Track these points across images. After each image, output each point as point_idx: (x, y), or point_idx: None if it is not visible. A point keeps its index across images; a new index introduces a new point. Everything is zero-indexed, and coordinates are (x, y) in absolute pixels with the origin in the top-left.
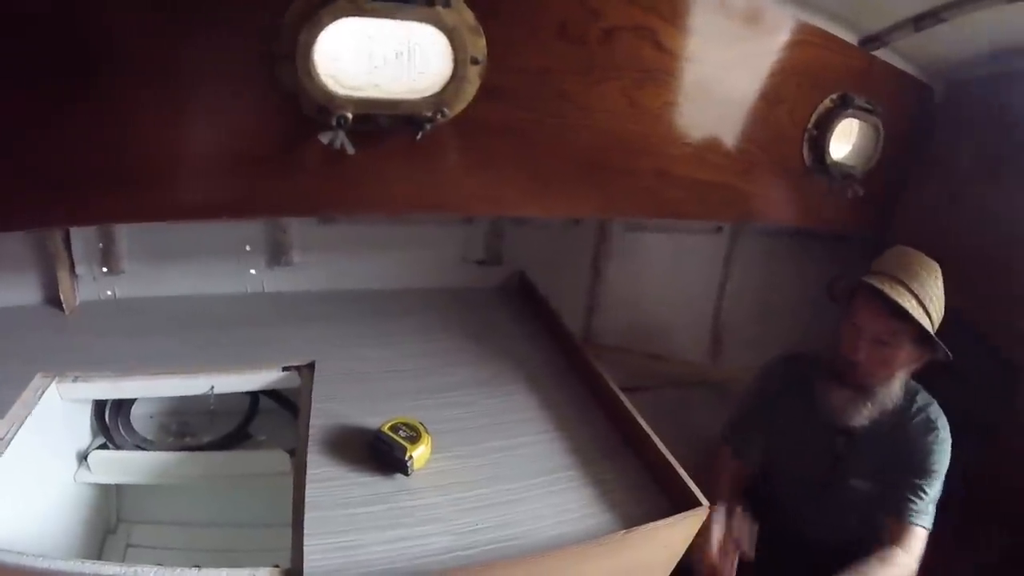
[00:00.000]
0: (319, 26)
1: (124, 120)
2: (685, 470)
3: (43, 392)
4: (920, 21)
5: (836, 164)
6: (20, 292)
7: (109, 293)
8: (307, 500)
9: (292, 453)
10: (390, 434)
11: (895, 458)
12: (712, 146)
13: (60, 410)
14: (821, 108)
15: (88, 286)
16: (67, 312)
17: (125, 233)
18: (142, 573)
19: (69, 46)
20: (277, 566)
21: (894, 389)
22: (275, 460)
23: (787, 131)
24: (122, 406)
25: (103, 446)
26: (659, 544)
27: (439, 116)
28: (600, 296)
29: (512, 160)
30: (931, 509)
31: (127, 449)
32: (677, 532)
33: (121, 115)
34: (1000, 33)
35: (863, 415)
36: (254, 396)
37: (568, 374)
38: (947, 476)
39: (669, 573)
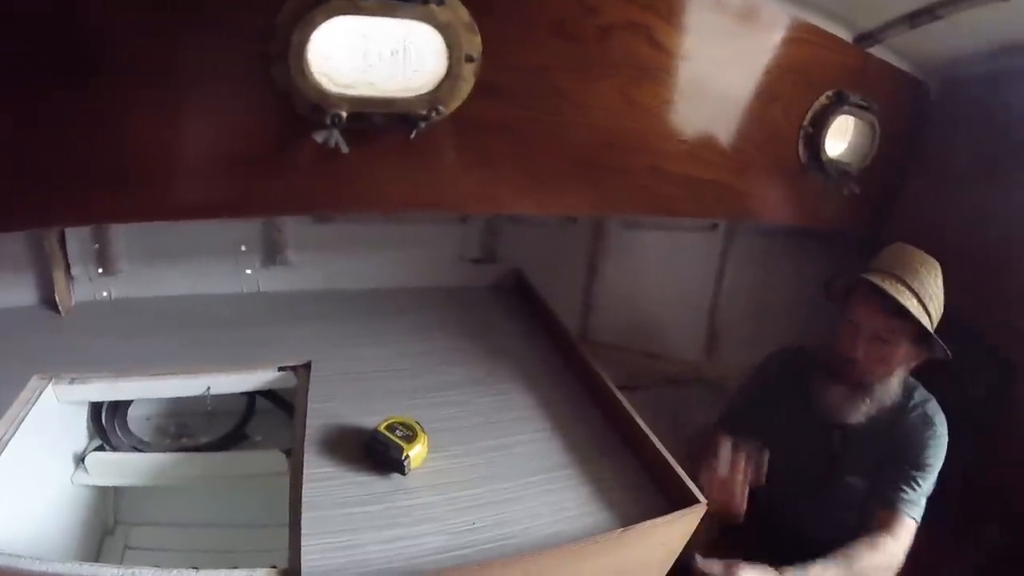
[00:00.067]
0: (312, 25)
1: (119, 120)
2: (682, 468)
3: (40, 394)
4: (915, 18)
5: (832, 162)
6: (16, 293)
7: (105, 294)
8: (304, 500)
9: (289, 453)
10: (386, 434)
11: (890, 453)
12: (707, 144)
13: (57, 412)
14: (816, 105)
15: (84, 287)
16: (63, 313)
17: (120, 234)
18: (140, 575)
19: (65, 46)
20: (275, 567)
21: (892, 387)
22: (272, 460)
23: (782, 129)
24: (119, 407)
25: (100, 448)
26: (656, 542)
27: (434, 114)
28: (596, 294)
29: (508, 158)
30: (922, 502)
31: (124, 451)
32: (675, 530)
33: (116, 115)
34: (996, 30)
35: (860, 412)
36: (251, 396)
37: (565, 372)
38: (945, 474)
39: (667, 571)
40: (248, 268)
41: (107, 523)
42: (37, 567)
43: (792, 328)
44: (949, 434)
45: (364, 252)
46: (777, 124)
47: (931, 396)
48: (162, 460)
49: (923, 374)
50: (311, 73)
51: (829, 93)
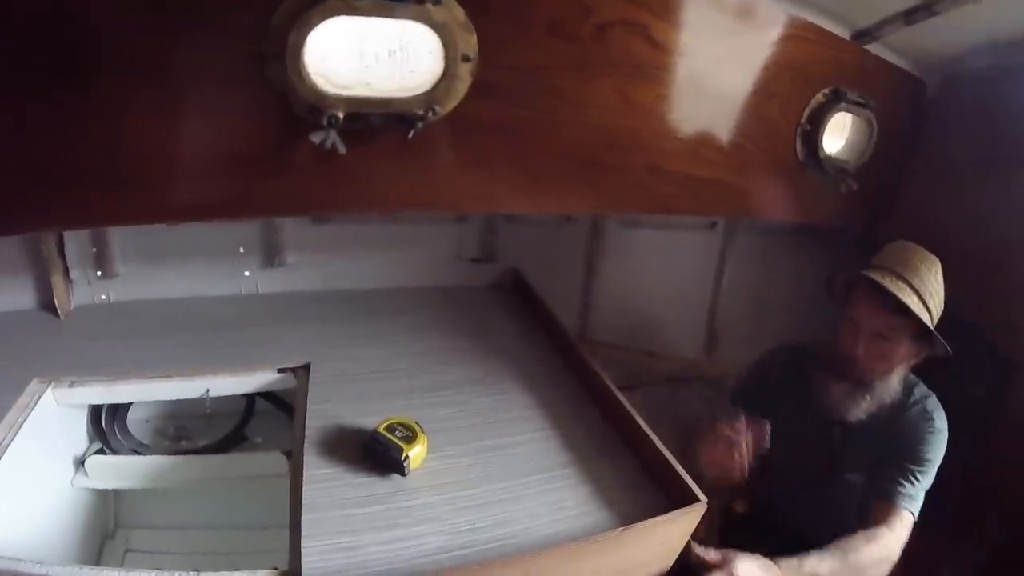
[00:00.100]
0: (309, 26)
1: (116, 121)
2: (682, 466)
3: (39, 397)
4: (911, 15)
5: (829, 159)
6: (14, 297)
7: (103, 297)
8: (304, 502)
9: (288, 455)
10: (386, 434)
11: (890, 448)
12: (705, 141)
13: (56, 415)
14: (814, 103)
15: (82, 290)
16: (62, 316)
17: (118, 236)
18: None
19: (61, 46)
20: (275, 568)
21: (892, 384)
22: (272, 462)
23: (780, 126)
24: (118, 410)
25: (100, 451)
26: (656, 541)
27: (431, 114)
28: (595, 293)
29: (504, 157)
30: (920, 496)
31: (124, 454)
32: (674, 529)
33: (113, 116)
34: (993, 27)
35: (861, 409)
36: (250, 398)
37: (563, 372)
38: (944, 472)
39: (667, 570)
40: (246, 270)
41: (107, 526)
42: (38, 571)
43: (792, 325)
44: (949, 432)
45: (362, 253)
46: (775, 122)
47: (931, 393)
48: (162, 463)
49: (923, 372)
50: (308, 74)
51: (826, 90)
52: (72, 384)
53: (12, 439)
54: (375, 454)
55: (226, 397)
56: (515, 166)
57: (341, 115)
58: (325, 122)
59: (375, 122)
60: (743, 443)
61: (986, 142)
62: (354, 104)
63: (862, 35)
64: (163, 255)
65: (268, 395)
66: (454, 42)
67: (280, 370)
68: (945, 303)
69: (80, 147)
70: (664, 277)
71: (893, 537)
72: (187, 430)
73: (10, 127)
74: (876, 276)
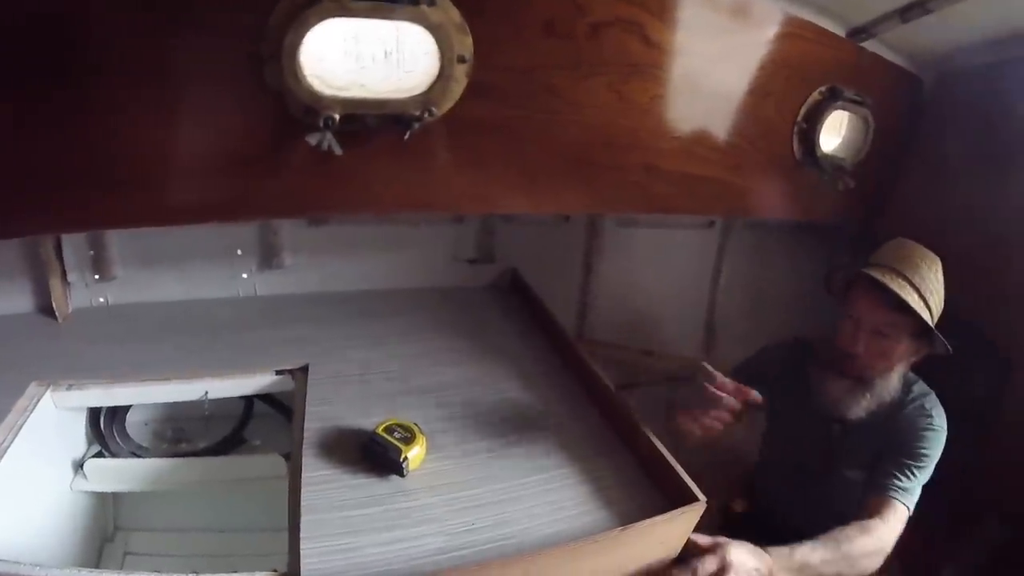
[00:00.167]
0: (305, 27)
1: (114, 123)
2: (680, 465)
3: (38, 401)
4: (907, 12)
5: (826, 157)
6: (12, 300)
7: (102, 300)
8: (303, 504)
9: (287, 457)
10: (384, 436)
11: (888, 445)
12: (701, 140)
13: (55, 419)
14: (810, 101)
15: (80, 293)
16: (60, 320)
17: (116, 239)
18: None
19: (56, 47)
20: (275, 570)
21: (892, 382)
22: (270, 464)
23: (776, 124)
24: (117, 413)
25: (99, 454)
26: (655, 540)
27: (427, 115)
28: (593, 292)
29: (501, 157)
30: (916, 491)
31: (123, 456)
32: (674, 528)
33: (110, 118)
34: (988, 23)
35: (861, 407)
36: (248, 400)
37: (562, 371)
38: (943, 471)
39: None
40: (244, 272)
41: (106, 529)
42: (37, 574)
43: (789, 323)
44: (948, 430)
45: (360, 254)
46: (771, 120)
47: (930, 391)
48: (161, 465)
49: (922, 370)
50: (304, 75)
51: (822, 88)
52: (70, 387)
53: (11, 442)
54: (374, 455)
55: (224, 399)
56: (511, 166)
57: (337, 116)
58: (321, 123)
59: (371, 123)
60: (727, 396)
61: (982, 138)
62: (350, 105)
63: (858, 33)
64: (161, 258)
65: (266, 397)
66: (450, 43)
67: (278, 372)
68: (944, 301)
69: (77, 149)
70: (662, 276)
71: (887, 529)
72: (186, 433)
73: (6, 129)
74: (876, 273)
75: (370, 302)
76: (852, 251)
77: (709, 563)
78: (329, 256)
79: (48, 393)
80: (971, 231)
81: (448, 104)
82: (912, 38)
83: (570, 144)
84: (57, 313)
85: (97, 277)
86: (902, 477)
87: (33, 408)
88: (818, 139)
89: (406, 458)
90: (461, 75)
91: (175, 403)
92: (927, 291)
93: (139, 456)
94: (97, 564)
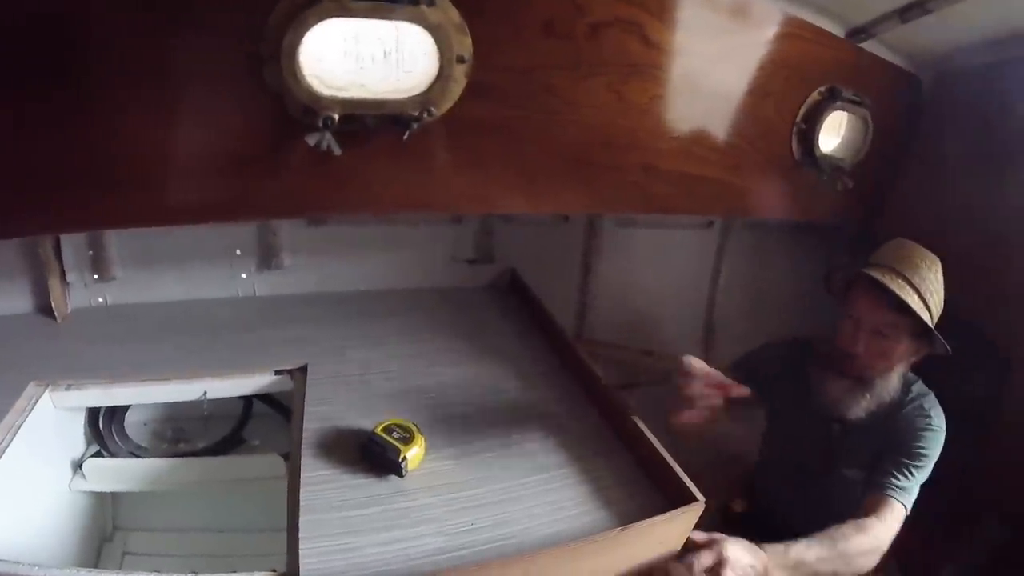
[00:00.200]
0: (304, 27)
1: (113, 123)
2: (679, 465)
3: (36, 401)
4: (906, 12)
5: (825, 157)
6: (11, 301)
7: (100, 300)
8: (301, 504)
9: (286, 457)
10: (383, 436)
11: (887, 444)
12: (700, 140)
13: (54, 418)
14: (809, 101)
15: (79, 293)
16: (59, 320)
17: (115, 240)
18: None
19: (57, 48)
20: (274, 571)
21: (892, 382)
22: (269, 464)
23: (775, 125)
24: (116, 413)
25: (97, 454)
26: (655, 540)
27: (426, 115)
28: (592, 293)
29: (500, 158)
30: (914, 490)
31: (121, 456)
32: (673, 528)
33: (110, 118)
34: (987, 23)
35: (860, 407)
36: (247, 400)
37: (561, 371)
38: (943, 472)
39: None
40: (243, 272)
41: (105, 529)
42: (36, 573)
43: (789, 323)
44: (948, 431)
45: (359, 255)
46: (770, 120)
47: (930, 391)
48: (160, 465)
49: (922, 370)
50: (303, 75)
51: (822, 89)
52: (69, 387)
53: (9, 442)
54: (373, 455)
55: (223, 400)
56: (511, 166)
57: (336, 116)
58: (320, 124)
59: (370, 123)
60: (693, 397)
61: (981, 138)
62: (349, 105)
63: (857, 33)
64: (160, 258)
65: (265, 397)
66: (449, 43)
67: (277, 372)
68: (944, 301)
69: (77, 149)
70: (661, 276)
71: (883, 528)
72: (185, 433)
73: (6, 129)
74: (877, 274)
75: (369, 302)
76: (851, 251)
77: (705, 557)
78: (328, 256)
79: (47, 393)
80: (970, 231)
81: (447, 104)
82: (911, 38)
83: (569, 144)
84: (56, 313)
85: (96, 277)
86: (900, 476)
87: (32, 408)
88: (817, 139)
89: (405, 458)
90: (460, 75)
91: (174, 403)
92: (927, 292)
93: (138, 456)
94: (96, 564)
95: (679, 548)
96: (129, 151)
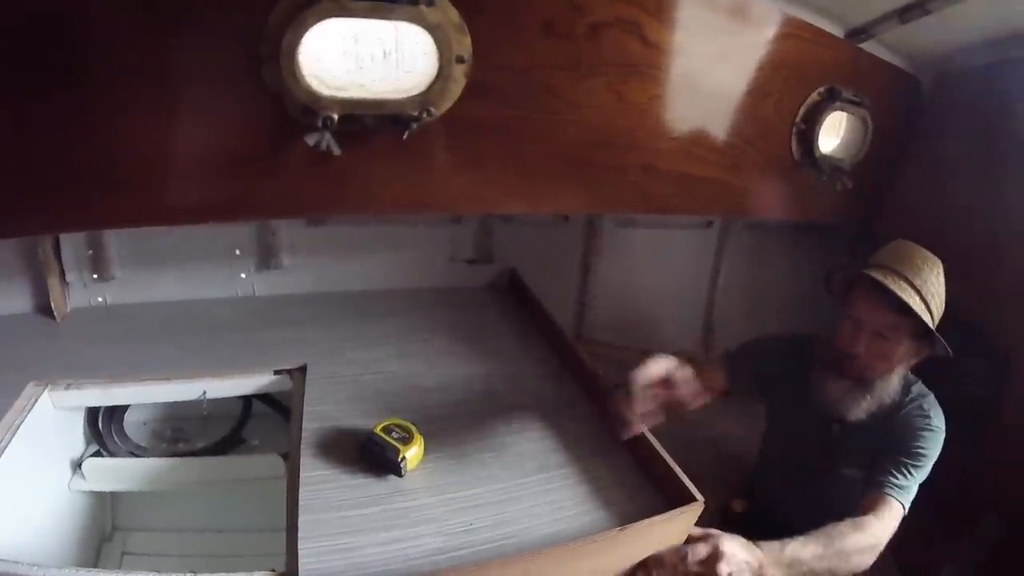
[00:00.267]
0: (304, 27)
1: (113, 123)
2: (679, 466)
3: (36, 400)
4: (905, 13)
5: (824, 157)
6: (11, 300)
7: (100, 300)
8: (301, 503)
9: (285, 457)
10: (382, 435)
11: (886, 444)
12: (699, 141)
13: (53, 418)
14: (809, 101)
15: (79, 293)
16: (58, 319)
17: (114, 239)
18: None
19: (57, 48)
20: (273, 570)
21: (893, 383)
22: (269, 464)
23: (775, 125)
24: (115, 413)
25: (97, 453)
26: (654, 540)
27: (425, 115)
28: (591, 292)
29: (499, 158)
30: (913, 489)
31: (121, 456)
32: (672, 528)
33: (110, 118)
34: (986, 23)
35: (861, 408)
36: (247, 400)
37: (560, 371)
38: (943, 472)
39: None
40: (243, 272)
41: (105, 529)
42: (35, 573)
43: (788, 323)
44: (947, 431)
45: (358, 255)
46: (769, 120)
47: (929, 392)
48: (159, 465)
49: (922, 370)
50: (302, 75)
51: (821, 89)
52: (69, 387)
53: (9, 442)
54: (372, 455)
55: (223, 399)
56: (510, 166)
57: (335, 116)
58: (319, 123)
59: (369, 123)
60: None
61: (980, 139)
62: (348, 105)
63: (856, 33)
64: (159, 258)
65: (265, 397)
66: (448, 43)
67: (277, 372)
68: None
69: (77, 149)
70: (660, 276)
71: (880, 526)
72: (184, 432)
73: (6, 129)
74: (878, 275)
75: (368, 302)
76: (850, 251)
77: (701, 549)
78: (327, 256)
79: (46, 393)
80: (970, 231)
81: (447, 104)
82: (911, 39)
83: (569, 144)
84: (55, 313)
85: (95, 277)
86: (899, 475)
87: (31, 408)
88: (816, 139)
89: (404, 458)
90: (460, 75)
91: (173, 403)
92: (928, 293)
93: (137, 456)
94: (95, 564)
95: None
96: (129, 151)
